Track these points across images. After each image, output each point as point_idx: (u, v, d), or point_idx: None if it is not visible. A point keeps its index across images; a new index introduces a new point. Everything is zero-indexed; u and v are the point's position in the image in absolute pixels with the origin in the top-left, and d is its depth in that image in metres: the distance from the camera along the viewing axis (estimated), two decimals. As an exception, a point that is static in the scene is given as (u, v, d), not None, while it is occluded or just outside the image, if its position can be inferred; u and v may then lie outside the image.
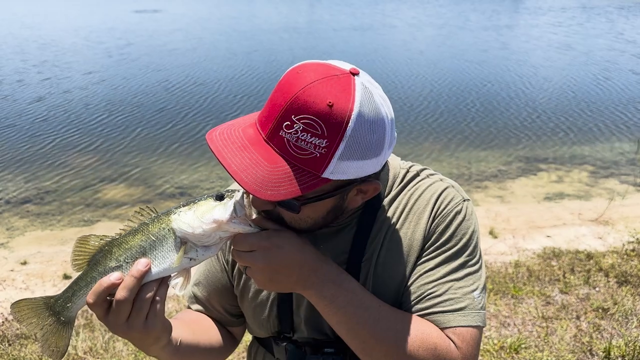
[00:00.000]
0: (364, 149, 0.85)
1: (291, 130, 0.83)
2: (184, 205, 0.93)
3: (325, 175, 0.84)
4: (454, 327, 0.95)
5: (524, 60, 15.86)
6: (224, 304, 1.19)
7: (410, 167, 1.10)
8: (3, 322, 3.78)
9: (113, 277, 0.89)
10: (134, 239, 0.95)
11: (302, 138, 0.83)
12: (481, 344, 2.97)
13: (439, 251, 1.00)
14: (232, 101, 11.08)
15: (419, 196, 1.04)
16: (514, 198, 6.83)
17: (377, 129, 0.85)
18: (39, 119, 9.67)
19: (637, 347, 3.06)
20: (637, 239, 4.91)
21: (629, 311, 3.53)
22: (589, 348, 3.14)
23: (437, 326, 0.96)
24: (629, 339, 3.17)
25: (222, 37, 19.63)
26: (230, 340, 1.22)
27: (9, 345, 3.44)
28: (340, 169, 0.85)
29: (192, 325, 1.13)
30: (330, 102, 0.82)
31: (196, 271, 1.20)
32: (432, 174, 1.09)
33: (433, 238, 1.01)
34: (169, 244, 0.92)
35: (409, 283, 1.00)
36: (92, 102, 10.83)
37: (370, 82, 0.90)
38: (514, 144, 8.76)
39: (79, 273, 0.98)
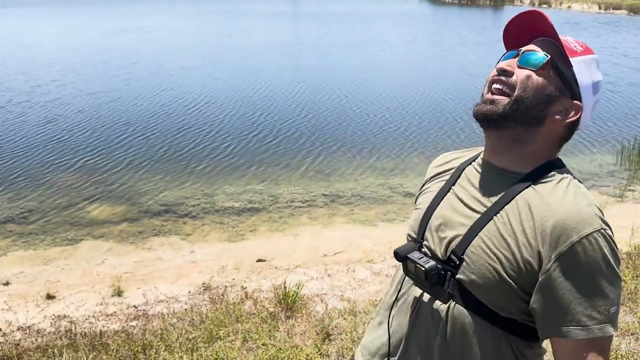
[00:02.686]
0: (586, 68, 1.20)
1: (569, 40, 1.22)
2: None
3: (570, 57, 1.17)
4: None
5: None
6: None
7: (570, 177, 1.20)
8: (-15, 344, 3.73)
9: None
10: None
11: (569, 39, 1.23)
12: None
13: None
14: (215, 120, 11.11)
15: (563, 201, 1.12)
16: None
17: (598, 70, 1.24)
18: (22, 138, 9.60)
19: (619, 356, 3.12)
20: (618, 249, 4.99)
21: (611, 320, 3.59)
22: (572, 357, 3.18)
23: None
24: (611, 348, 3.22)
25: (204, 56, 19.68)
26: None
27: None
28: (577, 62, 1.18)
29: None
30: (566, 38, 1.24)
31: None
32: (578, 186, 1.17)
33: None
34: None
35: (535, 301, 1.11)
36: (74, 121, 10.78)
37: None
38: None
39: None
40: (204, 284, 4.70)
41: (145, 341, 3.48)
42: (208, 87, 13.96)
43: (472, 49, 21.72)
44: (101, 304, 4.43)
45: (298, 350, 3.30)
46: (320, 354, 3.26)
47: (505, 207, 1.15)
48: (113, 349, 3.41)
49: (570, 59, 1.15)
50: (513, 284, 1.11)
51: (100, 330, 3.78)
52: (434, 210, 1.27)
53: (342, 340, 3.43)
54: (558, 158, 1.23)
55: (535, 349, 1.20)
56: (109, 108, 11.81)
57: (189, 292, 4.54)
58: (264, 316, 3.77)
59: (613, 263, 1.08)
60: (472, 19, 34.95)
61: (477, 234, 1.16)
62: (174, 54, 19.45)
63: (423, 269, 1.17)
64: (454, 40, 24.18)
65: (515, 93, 1.14)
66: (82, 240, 6.27)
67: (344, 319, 3.70)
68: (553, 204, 1.11)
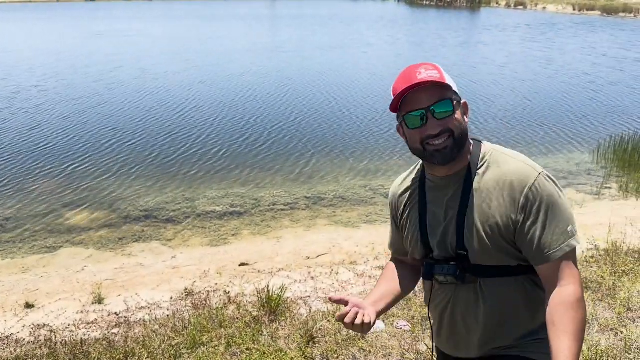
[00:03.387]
0: (450, 79, 1.48)
1: (421, 74, 1.45)
2: None
3: (447, 82, 1.45)
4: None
5: (481, 77, 16.30)
6: (403, 248, 1.75)
7: (494, 148, 1.58)
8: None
9: None
10: None
11: (428, 72, 1.45)
12: None
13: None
14: (195, 124, 11.05)
15: (506, 169, 1.49)
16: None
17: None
18: (-3, 145, 9.44)
19: (599, 352, 3.16)
20: (596, 245, 5.08)
21: (591, 316, 3.64)
22: (553, 354, 3.22)
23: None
24: (591, 343, 3.27)
25: (188, 60, 19.56)
26: (415, 271, 1.76)
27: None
28: (449, 80, 1.47)
29: (392, 275, 1.74)
30: (424, 63, 1.50)
31: (389, 235, 1.82)
32: (505, 153, 1.55)
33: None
34: None
35: (522, 236, 1.48)
36: (53, 127, 10.63)
37: None
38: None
39: None
40: (186, 289, 4.65)
41: (127, 349, 3.43)
42: (190, 91, 13.89)
43: (453, 50, 21.93)
44: (82, 312, 4.36)
45: (282, 354, 3.29)
46: (304, 357, 3.25)
47: (470, 195, 1.50)
48: (94, 358, 3.36)
49: (446, 81, 1.47)
50: (508, 242, 1.48)
51: (81, 338, 3.72)
52: (426, 229, 1.59)
53: (326, 342, 3.42)
54: (470, 138, 1.55)
55: None
56: (88, 113, 11.67)
57: (171, 298, 4.50)
58: (248, 320, 3.75)
59: (558, 192, 1.48)
60: (450, 21, 35.28)
61: (463, 226, 1.50)
62: (157, 57, 19.29)
63: (450, 275, 1.53)
64: (434, 41, 24.38)
65: (455, 136, 1.46)
66: (61, 247, 6.17)
67: (328, 321, 3.69)
68: (501, 175, 1.48)
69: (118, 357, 3.34)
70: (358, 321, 1.45)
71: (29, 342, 3.79)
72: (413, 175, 1.68)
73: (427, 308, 1.75)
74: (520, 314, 1.55)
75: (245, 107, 12.22)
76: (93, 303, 4.53)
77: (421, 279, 1.73)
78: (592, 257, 4.74)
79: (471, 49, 22.60)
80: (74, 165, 8.52)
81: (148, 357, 3.32)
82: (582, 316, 1.41)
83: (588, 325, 3.55)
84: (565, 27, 30.20)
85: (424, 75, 1.44)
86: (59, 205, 7.17)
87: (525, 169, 1.48)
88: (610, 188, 7.83)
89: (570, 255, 1.47)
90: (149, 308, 4.32)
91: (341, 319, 1.47)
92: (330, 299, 1.52)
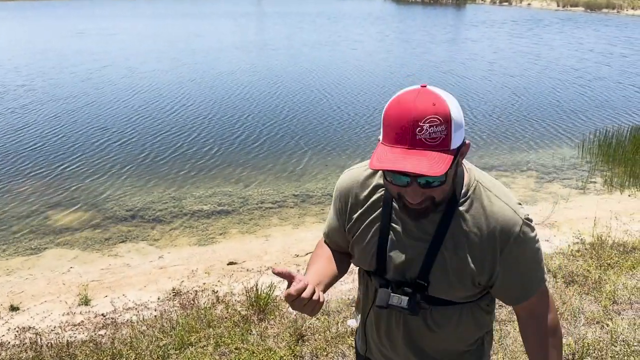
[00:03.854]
0: (459, 122, 1.24)
1: (423, 131, 1.20)
2: None
3: (452, 146, 1.23)
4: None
5: (463, 74, 16.37)
6: (343, 244, 1.63)
7: (479, 179, 1.43)
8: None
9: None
10: None
11: (431, 132, 1.20)
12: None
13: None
14: (182, 122, 10.98)
15: (489, 211, 1.38)
16: (465, 206, 7.00)
17: (459, 108, 1.27)
18: (-20, 145, 9.30)
19: (586, 345, 3.19)
20: (581, 239, 5.12)
21: (577, 310, 3.67)
22: (541, 348, 3.24)
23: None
24: (578, 336, 3.30)
25: (175, 58, 19.41)
26: (348, 257, 1.66)
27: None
28: (455, 140, 1.24)
29: (327, 255, 1.64)
30: (433, 103, 1.21)
31: (327, 222, 1.66)
32: (489, 189, 1.42)
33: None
34: None
35: (497, 283, 1.43)
36: (38, 127, 10.51)
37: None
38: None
39: None
40: (173, 289, 4.62)
41: (114, 350, 3.40)
42: (178, 90, 13.78)
43: (442, 46, 21.99)
44: (68, 314, 4.31)
45: (272, 353, 3.28)
46: (294, 356, 3.24)
47: (448, 230, 1.37)
48: (81, 360, 3.32)
49: (452, 143, 1.24)
50: (476, 287, 1.42)
51: (67, 340, 3.68)
52: (385, 250, 1.45)
53: (315, 340, 3.42)
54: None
55: (488, 299, 1.54)
56: (75, 113, 11.55)
57: (159, 299, 4.46)
58: (236, 320, 3.73)
59: (537, 239, 1.42)
60: (437, 17, 35.38)
61: (433, 261, 1.38)
62: (144, 56, 19.13)
63: (406, 309, 1.42)
64: (423, 38, 24.43)
65: (437, 200, 1.31)
66: (46, 248, 6.10)
67: (317, 319, 3.69)
68: (484, 218, 1.37)
69: (105, 359, 3.31)
70: (315, 297, 1.31)
71: (14, 346, 3.74)
72: (375, 181, 1.47)
73: (360, 312, 1.69)
74: (464, 340, 1.55)
75: (233, 105, 12.17)
76: (79, 305, 4.49)
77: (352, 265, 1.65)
78: (577, 251, 4.79)
79: (460, 45, 22.68)
80: (59, 166, 8.42)
81: (135, 359, 3.29)
82: (558, 342, 1.46)
83: (575, 318, 3.59)
84: (551, 23, 30.42)
85: (426, 136, 1.20)
86: (43, 206, 7.09)
87: (510, 215, 1.37)
88: (595, 182, 7.91)
89: (544, 289, 1.48)
90: (136, 309, 4.28)
91: (293, 297, 1.28)
92: (273, 270, 1.31)
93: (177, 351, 3.37)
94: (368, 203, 1.48)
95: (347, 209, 1.53)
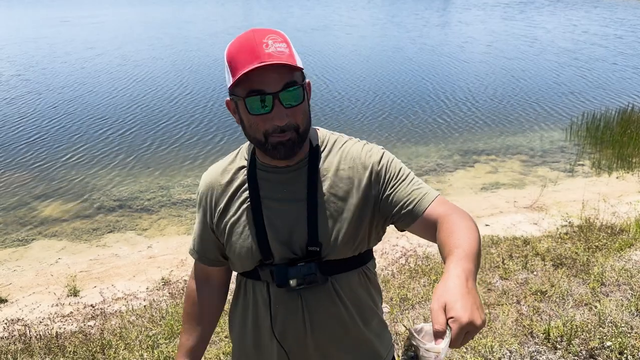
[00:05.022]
0: (296, 52, 1.27)
1: (269, 47, 1.21)
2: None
3: (298, 65, 1.24)
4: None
5: (456, 57, 16.35)
6: (217, 254, 1.51)
7: (332, 133, 1.45)
8: None
9: None
10: None
11: (277, 46, 1.22)
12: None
13: (397, 178, 1.37)
14: (167, 110, 10.87)
15: (350, 149, 1.40)
16: (453, 190, 7.03)
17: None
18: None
19: (574, 327, 3.21)
20: (570, 222, 5.16)
21: (565, 292, 3.70)
22: (529, 331, 3.27)
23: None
24: (566, 319, 3.32)
25: (169, 45, 19.20)
26: (222, 292, 1.62)
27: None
28: (298, 60, 1.25)
29: (200, 313, 1.57)
30: (269, 30, 1.26)
31: (193, 236, 1.54)
32: (342, 136, 1.45)
33: (385, 174, 1.37)
34: None
35: (392, 200, 1.34)
36: (19, 116, 10.36)
37: None
38: (451, 138, 9.02)
39: None
40: (162, 278, 4.60)
41: (103, 341, 3.38)
42: (168, 79, 13.63)
43: (437, 30, 21.91)
44: (56, 305, 4.28)
45: (262, 340, 3.27)
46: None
47: (318, 183, 1.34)
48: (70, 351, 3.30)
49: (297, 61, 1.24)
50: (368, 221, 1.36)
51: (57, 332, 3.65)
52: (263, 229, 1.36)
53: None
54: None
55: (374, 262, 1.50)
56: (61, 103, 11.39)
57: (148, 288, 4.44)
58: (226, 309, 3.72)
59: (399, 161, 1.41)
60: (427, 1, 35.21)
61: (316, 217, 1.32)
62: (137, 44, 18.86)
63: (313, 273, 1.33)
64: (416, 22, 24.33)
65: (301, 129, 1.28)
66: (33, 240, 6.04)
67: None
68: (345, 156, 1.38)
69: (94, 349, 3.29)
70: None
71: (2, 338, 3.71)
72: (237, 164, 1.44)
73: (239, 333, 1.52)
74: (368, 304, 1.46)
75: (224, 94, 12.06)
76: (68, 296, 4.46)
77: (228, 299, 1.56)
78: (566, 233, 4.82)
79: (454, 28, 22.62)
80: (45, 156, 8.32)
81: (125, 349, 3.28)
82: (474, 234, 1.19)
83: (563, 300, 3.61)
84: (543, 5, 30.43)
85: (273, 50, 1.21)
86: (30, 197, 7.01)
87: (368, 146, 1.40)
88: (583, 165, 7.95)
89: (440, 199, 1.34)
90: (125, 299, 4.26)
91: None
92: None
93: (167, 341, 3.36)
94: (233, 187, 1.41)
95: (212, 204, 1.44)
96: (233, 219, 1.40)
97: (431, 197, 1.32)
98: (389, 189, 1.35)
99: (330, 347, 1.43)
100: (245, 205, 1.38)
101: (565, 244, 4.56)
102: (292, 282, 1.34)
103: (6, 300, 4.48)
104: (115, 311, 4.01)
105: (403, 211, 1.33)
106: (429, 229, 1.29)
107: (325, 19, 25.29)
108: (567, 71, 14.10)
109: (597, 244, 4.46)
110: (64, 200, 6.96)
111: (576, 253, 4.30)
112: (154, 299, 4.15)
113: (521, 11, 28.02)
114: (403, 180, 1.35)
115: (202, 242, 1.51)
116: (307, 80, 1.31)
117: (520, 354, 3.05)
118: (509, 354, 3.07)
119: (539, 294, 3.71)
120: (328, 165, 1.37)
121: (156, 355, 3.17)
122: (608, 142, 8.57)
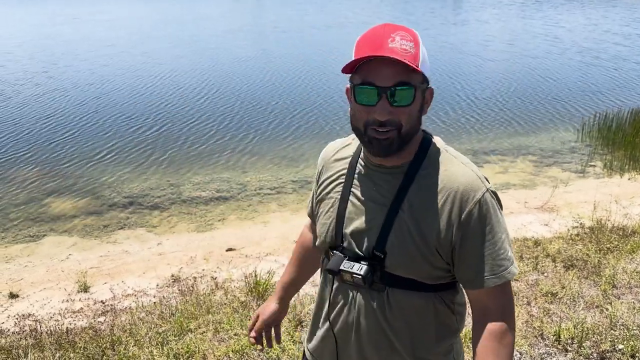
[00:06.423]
0: (425, 54, 1.27)
1: (394, 42, 1.21)
2: None
3: (420, 68, 1.23)
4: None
5: (468, 56, 16.26)
6: None
7: (444, 147, 1.40)
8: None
9: None
10: None
11: (402, 43, 1.21)
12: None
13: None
14: (178, 108, 10.90)
15: (458, 177, 1.31)
16: (464, 190, 6.99)
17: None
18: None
19: (585, 329, 3.19)
20: (581, 223, 5.12)
21: (576, 294, 3.67)
22: (540, 332, 3.25)
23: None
24: (577, 321, 3.29)
25: (187, 43, 19.25)
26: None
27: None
28: (423, 63, 1.24)
29: (295, 260, 1.79)
30: (402, 27, 1.27)
31: (309, 201, 1.66)
32: (455, 156, 1.37)
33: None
34: None
35: (457, 257, 1.31)
36: (32, 113, 10.44)
37: None
38: (462, 138, 8.98)
39: None
40: (172, 275, 4.62)
41: (113, 337, 3.40)
42: (181, 77, 13.66)
43: (455, 28, 21.81)
44: (67, 301, 4.31)
45: (270, 338, 3.27)
46: (293, 341, 3.24)
47: (407, 194, 1.31)
48: (80, 347, 3.32)
49: (419, 63, 1.24)
50: (436, 256, 1.30)
51: (67, 327, 3.68)
52: (343, 216, 1.40)
53: (314, 326, 3.41)
54: (422, 130, 1.37)
55: (456, 296, 1.43)
56: (66, 100, 11.47)
57: (157, 285, 4.46)
58: (235, 306, 3.73)
59: (500, 213, 1.33)
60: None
61: (391, 226, 1.31)
62: (157, 41, 18.89)
63: (360, 275, 1.33)
64: (433, 20, 24.22)
65: (403, 130, 1.26)
66: (44, 236, 6.09)
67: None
68: (446, 180, 1.30)
69: (104, 345, 3.31)
70: (267, 336, 1.75)
71: (13, 333, 3.74)
72: (352, 148, 1.47)
73: (315, 305, 1.60)
74: (426, 333, 1.40)
75: (237, 91, 12.06)
76: (78, 292, 4.49)
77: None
78: (577, 235, 4.78)
79: (472, 26, 22.50)
80: (57, 153, 8.38)
81: (135, 345, 3.29)
82: (508, 351, 1.28)
83: (574, 302, 3.59)
84: (559, 4, 30.22)
85: (397, 45, 1.21)
86: (42, 194, 7.07)
87: (474, 179, 1.30)
88: (595, 166, 7.89)
89: (508, 284, 1.33)
90: (135, 295, 4.28)
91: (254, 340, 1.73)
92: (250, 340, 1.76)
93: (177, 337, 3.37)
94: (336, 169, 1.47)
95: (318, 177, 1.54)
96: (326, 197, 1.47)
97: (489, 283, 1.29)
98: (466, 243, 1.30)
99: (372, 354, 1.44)
100: (337, 190, 1.44)
101: (577, 245, 4.52)
102: (345, 276, 1.37)
103: (17, 296, 4.52)
104: (125, 307, 4.03)
105: (458, 275, 1.35)
106: (473, 306, 1.35)
107: (340, 17, 25.22)
108: (591, 70, 13.97)
109: (608, 245, 4.43)
110: (75, 196, 7.01)
111: (587, 255, 4.27)
112: (163, 296, 4.17)
113: (538, 10, 27.82)
114: (482, 244, 1.29)
115: (312, 201, 1.63)
116: (429, 87, 1.31)
117: (531, 356, 3.04)
118: (519, 355, 3.05)
119: (549, 295, 3.69)
120: (426, 182, 1.32)
121: (165, 352, 3.18)
122: (620, 143, 8.49)
